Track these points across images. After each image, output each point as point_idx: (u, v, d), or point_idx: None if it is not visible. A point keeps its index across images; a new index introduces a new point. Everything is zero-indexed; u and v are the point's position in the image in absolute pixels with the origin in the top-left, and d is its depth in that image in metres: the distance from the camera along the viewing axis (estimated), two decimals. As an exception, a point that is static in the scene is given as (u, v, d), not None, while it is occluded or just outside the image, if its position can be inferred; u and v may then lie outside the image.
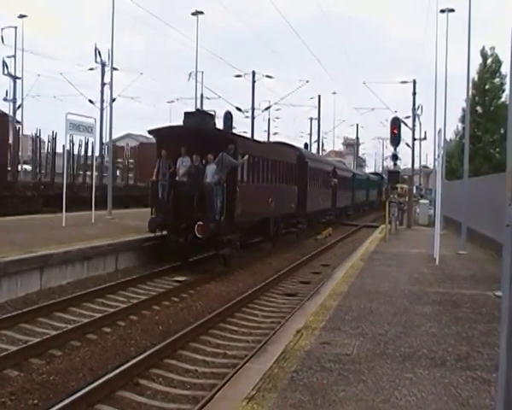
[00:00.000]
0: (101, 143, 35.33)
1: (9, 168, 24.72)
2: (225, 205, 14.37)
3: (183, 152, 14.80)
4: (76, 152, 29.71)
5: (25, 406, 6.02)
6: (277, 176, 19.72)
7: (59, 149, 28.20)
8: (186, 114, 15.91)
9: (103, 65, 35.83)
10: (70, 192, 18.99)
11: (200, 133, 14.95)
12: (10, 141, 25.88)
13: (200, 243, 14.11)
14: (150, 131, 16.13)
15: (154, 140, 16.94)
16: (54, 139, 29.00)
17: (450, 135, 36.73)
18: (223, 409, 4.71)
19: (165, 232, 14.57)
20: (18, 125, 33.15)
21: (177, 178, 14.78)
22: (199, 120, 15.55)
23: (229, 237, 15.01)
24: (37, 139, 30.05)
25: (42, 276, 11.35)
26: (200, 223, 13.69)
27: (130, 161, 35.49)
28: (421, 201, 36.61)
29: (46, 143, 30.52)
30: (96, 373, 6.94)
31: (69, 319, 9.49)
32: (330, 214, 30.60)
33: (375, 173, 68.02)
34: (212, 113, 17.34)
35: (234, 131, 26.33)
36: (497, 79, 32.56)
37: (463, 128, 31.72)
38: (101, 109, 35.08)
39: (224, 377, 6.76)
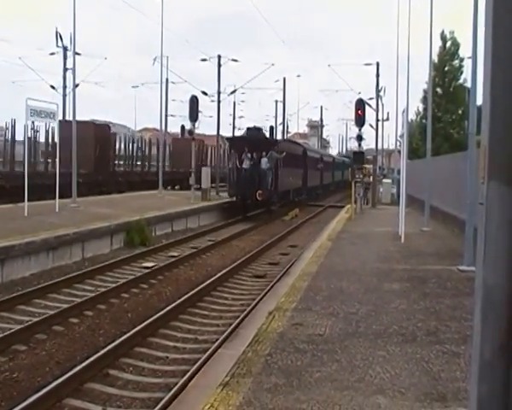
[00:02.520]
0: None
1: None
2: (272, 181, 25.42)
3: (245, 151, 24.88)
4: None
5: (-13, 406, 5.80)
6: (294, 164, 30.08)
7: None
8: (248, 128, 28.52)
9: (65, 49, 34.83)
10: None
11: (256, 140, 25.68)
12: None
13: (258, 203, 24.84)
14: (227, 138, 30.67)
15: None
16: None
17: (411, 115, 37.17)
18: (197, 398, 4.63)
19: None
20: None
21: (243, 166, 24.82)
22: (255, 132, 27.21)
23: (274, 199, 26.40)
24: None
25: (3, 268, 11.02)
26: (259, 191, 24.11)
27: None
28: (384, 180, 37.11)
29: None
30: (64, 366, 6.75)
31: (33, 311, 9.22)
32: (318, 189, 40.49)
33: (345, 156, 68.54)
34: (261, 127, 30.80)
35: (200, 115, 28.97)
36: (455, 61, 33.12)
37: (424, 109, 32.22)
38: (64, 95, 34.12)
39: (195, 363, 6.69)
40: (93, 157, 28.18)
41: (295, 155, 30.94)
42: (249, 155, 24.95)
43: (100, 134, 29.63)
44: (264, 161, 24.99)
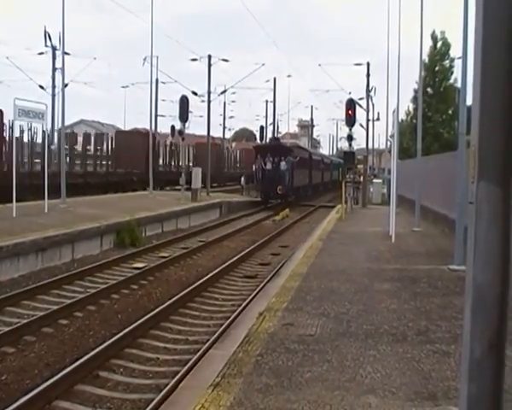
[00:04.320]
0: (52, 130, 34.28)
1: None
2: (289, 180, 32.75)
3: (268, 156, 33.12)
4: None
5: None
6: (303, 166, 37.37)
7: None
8: (270, 139, 39.44)
9: (54, 49, 34.62)
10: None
11: (277, 147, 34.83)
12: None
13: (278, 196, 32.48)
14: (254, 146, 38.90)
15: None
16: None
17: (401, 115, 37.32)
18: (188, 399, 4.61)
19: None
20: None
21: (266, 167, 32.72)
22: (276, 142, 37.62)
23: (289, 193, 33.44)
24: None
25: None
26: (279, 187, 31.61)
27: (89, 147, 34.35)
28: (375, 180, 37.24)
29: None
30: (54, 368, 6.70)
31: (22, 313, 9.14)
32: (320, 186, 46.82)
33: (340, 157, 69.00)
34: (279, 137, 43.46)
35: (190, 115, 28.98)
36: (446, 62, 33.28)
37: (414, 109, 32.33)
38: (53, 95, 33.98)
39: (185, 363, 6.67)
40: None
41: (304, 159, 38.27)
42: (271, 159, 33.19)
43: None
44: (282, 163, 33.04)
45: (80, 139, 31.05)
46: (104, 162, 31.07)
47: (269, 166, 32.79)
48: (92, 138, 31.35)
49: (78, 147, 30.55)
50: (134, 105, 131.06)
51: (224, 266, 13.09)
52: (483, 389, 2.12)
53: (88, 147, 30.03)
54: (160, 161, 38.67)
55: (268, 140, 40.38)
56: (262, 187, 32.73)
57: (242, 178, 39.05)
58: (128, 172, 31.41)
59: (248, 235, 19.85)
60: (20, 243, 11.86)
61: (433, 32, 33.13)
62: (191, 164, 38.59)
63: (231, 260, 13.83)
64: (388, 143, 32.06)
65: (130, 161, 31.23)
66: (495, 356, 2.11)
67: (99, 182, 28.83)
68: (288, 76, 77.92)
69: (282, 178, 32.17)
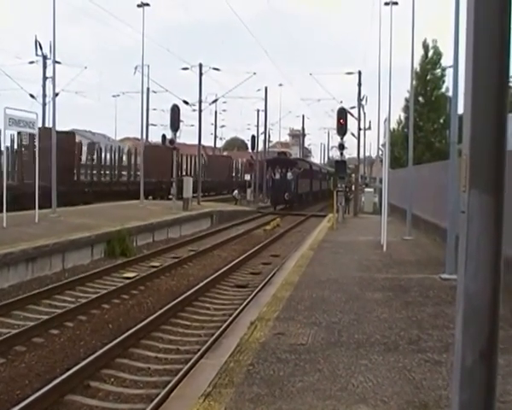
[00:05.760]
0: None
1: None
2: (294, 188, 38.63)
3: (277, 168, 39.41)
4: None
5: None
6: (305, 175, 43.57)
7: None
8: (278, 153, 47.62)
9: (45, 58, 34.53)
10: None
11: (284, 160, 41.59)
12: None
13: (285, 201, 37.91)
14: (266, 160, 44.05)
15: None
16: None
17: (392, 124, 37.56)
18: (179, 408, 4.58)
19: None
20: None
21: (275, 177, 39.03)
22: (283, 155, 45.02)
23: (295, 199, 39.00)
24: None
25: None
26: (287, 193, 37.37)
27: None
28: (366, 189, 37.38)
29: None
30: (44, 378, 6.64)
31: (12, 323, 9.06)
32: (319, 193, 50.83)
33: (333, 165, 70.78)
34: (286, 151, 53.95)
35: (181, 124, 29.23)
36: (437, 70, 33.43)
37: (406, 118, 32.48)
38: (44, 104, 33.83)
39: (177, 373, 6.63)
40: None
41: (306, 170, 45.09)
42: (279, 170, 39.63)
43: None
44: (289, 174, 39.28)
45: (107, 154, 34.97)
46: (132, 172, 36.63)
47: (277, 176, 39.45)
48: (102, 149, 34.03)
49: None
50: (125, 114, 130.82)
51: (215, 275, 13.06)
52: (474, 398, 2.13)
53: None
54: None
55: (276, 155, 46.97)
56: (272, 194, 39.88)
57: (236, 192, 40.92)
58: (159, 181, 35.60)
59: (239, 244, 19.82)
60: (9, 252, 11.77)
61: (425, 40, 33.28)
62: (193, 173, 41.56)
63: (222, 270, 13.79)
64: (380, 152, 32.30)
65: (158, 171, 35.78)
66: (486, 365, 2.11)
67: (121, 190, 33.17)
68: (280, 85, 78.34)
69: (288, 186, 38.59)
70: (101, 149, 33.86)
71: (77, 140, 35.61)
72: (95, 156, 32.56)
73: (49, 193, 18.33)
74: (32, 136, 22.28)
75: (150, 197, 33.01)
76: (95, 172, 32.16)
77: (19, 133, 24.86)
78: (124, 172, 36.34)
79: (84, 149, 32.74)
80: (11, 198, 17.00)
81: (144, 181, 28.11)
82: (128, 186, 33.74)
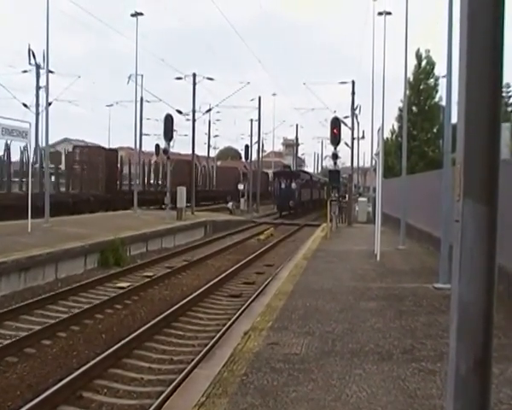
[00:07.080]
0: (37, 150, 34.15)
1: None
2: (298, 196, 44.43)
3: (282, 178, 45.48)
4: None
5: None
6: (307, 185, 49.14)
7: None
8: (283, 166, 60.18)
9: (38, 67, 34.51)
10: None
11: (289, 172, 48.95)
12: None
13: (289, 208, 43.18)
14: (273, 172, 56.75)
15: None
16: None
17: (386, 134, 37.77)
18: (172, 418, 4.55)
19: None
20: None
21: (281, 187, 44.48)
22: (288, 168, 54.77)
23: (298, 206, 44.34)
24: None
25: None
26: (291, 201, 42.99)
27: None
28: (360, 199, 37.44)
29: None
30: (36, 389, 6.58)
31: (4, 333, 8.97)
32: (317, 201, 53.30)
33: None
34: (290, 165, 64.82)
35: (175, 134, 29.71)
36: (431, 80, 33.63)
37: (399, 127, 32.64)
38: (37, 114, 33.81)
39: (170, 383, 6.58)
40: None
41: (307, 180, 50.99)
42: (285, 181, 44.64)
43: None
44: (293, 184, 44.13)
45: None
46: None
47: (283, 186, 44.55)
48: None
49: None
50: (119, 123, 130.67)
51: (208, 285, 13.02)
52: (469, 407, 2.12)
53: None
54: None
55: (282, 167, 55.75)
56: (278, 202, 44.93)
57: (230, 203, 42.15)
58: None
59: (233, 254, 19.78)
60: (2, 262, 11.69)
61: (418, 50, 33.52)
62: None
63: (216, 280, 13.75)
64: (373, 161, 32.33)
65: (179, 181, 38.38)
66: (481, 374, 2.11)
67: (150, 198, 37.32)
68: (274, 94, 78.59)
69: (292, 195, 43.61)
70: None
71: (121, 154, 41.68)
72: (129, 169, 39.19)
73: (101, 200, 19.42)
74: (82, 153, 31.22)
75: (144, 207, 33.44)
76: (132, 183, 36.86)
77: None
78: (152, 182, 44.32)
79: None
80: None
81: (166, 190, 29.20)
82: (156, 195, 38.06)
